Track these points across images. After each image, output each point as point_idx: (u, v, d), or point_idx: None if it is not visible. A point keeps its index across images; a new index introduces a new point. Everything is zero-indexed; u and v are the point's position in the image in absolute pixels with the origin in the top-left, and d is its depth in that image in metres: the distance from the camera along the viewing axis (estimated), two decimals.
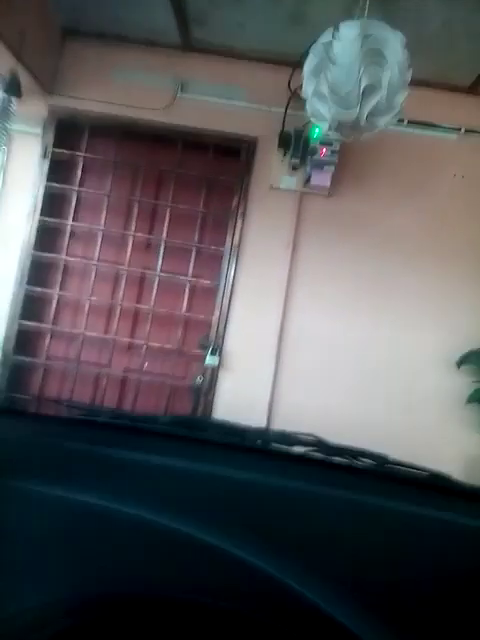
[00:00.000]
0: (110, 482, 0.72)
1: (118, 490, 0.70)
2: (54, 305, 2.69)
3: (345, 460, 0.85)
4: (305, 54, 1.80)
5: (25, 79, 2.33)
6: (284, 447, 0.87)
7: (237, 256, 2.63)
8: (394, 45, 1.71)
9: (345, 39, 1.71)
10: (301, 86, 1.89)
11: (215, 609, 0.59)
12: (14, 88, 2.23)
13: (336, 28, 1.72)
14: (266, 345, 2.58)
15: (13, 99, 2.28)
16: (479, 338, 2.51)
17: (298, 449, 0.86)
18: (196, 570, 0.63)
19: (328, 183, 2.52)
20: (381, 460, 0.85)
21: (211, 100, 2.65)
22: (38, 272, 2.68)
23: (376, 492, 0.76)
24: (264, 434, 1.13)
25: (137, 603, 0.58)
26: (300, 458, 0.84)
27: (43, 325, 2.68)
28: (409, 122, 2.56)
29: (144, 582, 0.61)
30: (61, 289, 2.71)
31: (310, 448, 0.87)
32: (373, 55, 1.71)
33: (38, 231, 2.65)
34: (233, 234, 2.63)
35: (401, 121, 2.52)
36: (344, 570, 0.64)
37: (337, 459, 0.85)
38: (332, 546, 0.66)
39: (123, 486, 0.71)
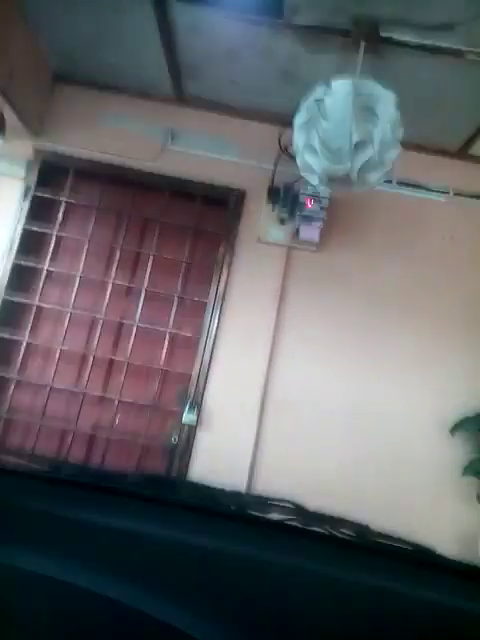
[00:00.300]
0: (68, 546, 0.66)
1: (77, 555, 0.65)
2: (22, 351, 2.52)
3: (324, 530, 0.80)
4: (296, 110, 1.80)
5: (11, 119, 2.30)
6: (260, 513, 0.83)
7: (221, 307, 2.53)
8: (386, 103, 1.71)
9: (337, 95, 1.70)
10: (291, 143, 1.88)
11: None
12: None
13: (328, 85, 1.71)
14: (249, 402, 2.45)
15: None
16: (472, 403, 2.40)
17: (275, 516, 0.81)
18: None
19: (317, 237, 2.49)
20: (362, 531, 0.82)
21: (201, 152, 2.65)
22: (9, 315, 2.54)
23: (354, 566, 0.72)
24: (239, 498, 1.07)
25: None
26: (276, 526, 0.80)
27: (8, 373, 2.50)
28: (398, 182, 2.57)
29: None
30: (32, 334, 2.56)
31: (288, 515, 0.83)
32: (365, 112, 1.71)
33: (12, 272, 2.53)
34: (217, 284, 2.55)
35: (390, 181, 2.52)
36: None
37: (316, 529, 0.81)
38: (306, 624, 0.63)
39: (84, 551, 0.66)
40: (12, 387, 2.49)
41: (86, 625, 0.61)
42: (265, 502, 0.87)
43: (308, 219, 2.44)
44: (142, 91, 2.64)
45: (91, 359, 2.53)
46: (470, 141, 2.49)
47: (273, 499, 0.85)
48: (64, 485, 0.83)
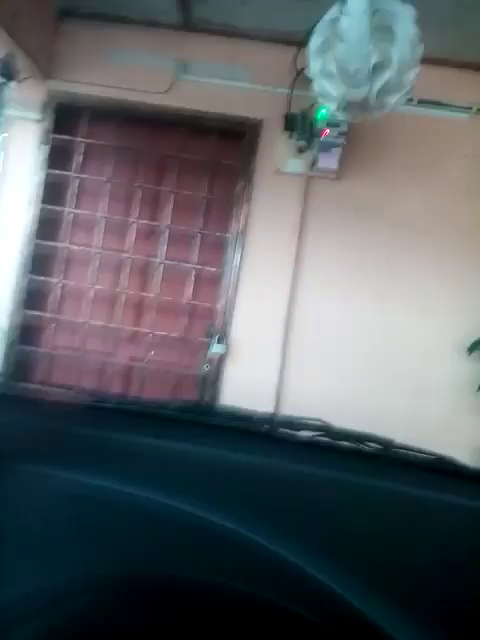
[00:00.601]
0: (120, 466, 0.72)
1: (127, 474, 0.70)
2: (58, 294, 2.66)
3: (351, 445, 0.85)
4: (311, 32, 1.74)
5: (21, 62, 2.27)
6: (290, 432, 0.87)
7: (242, 242, 2.58)
8: (404, 20, 1.64)
9: (353, 15, 1.63)
10: (307, 66, 1.83)
11: (226, 590, 0.60)
12: (10, 71, 2.17)
13: (343, 3, 1.65)
14: (273, 332, 2.55)
15: (9, 83, 2.22)
16: None
17: (304, 434, 0.86)
18: (206, 551, 0.64)
19: (336, 166, 2.45)
20: (387, 444, 0.86)
21: (213, 81, 2.58)
22: (40, 261, 2.65)
23: (382, 476, 0.76)
24: (271, 419, 1.13)
25: (149, 583, 0.60)
26: (306, 443, 0.84)
27: (47, 315, 2.65)
28: (419, 101, 2.48)
29: (156, 563, 0.62)
30: (64, 278, 2.67)
31: (316, 433, 0.87)
32: (382, 31, 1.65)
33: (39, 220, 2.61)
34: (238, 220, 2.58)
35: (410, 101, 2.43)
36: (352, 552, 0.64)
37: (343, 444, 0.85)
38: (340, 529, 0.67)
39: (132, 469, 0.72)
40: (53, 327, 2.65)
41: (139, 528, 0.65)
42: (295, 421, 0.89)
43: (326, 146, 2.40)
44: (149, 21, 2.54)
45: (122, 297, 2.64)
46: None
47: (303, 418, 0.89)
48: (113, 413, 0.89)
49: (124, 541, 0.64)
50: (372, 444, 0.85)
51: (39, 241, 2.61)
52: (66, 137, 2.63)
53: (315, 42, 1.73)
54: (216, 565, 0.62)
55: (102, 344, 2.67)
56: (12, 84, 2.27)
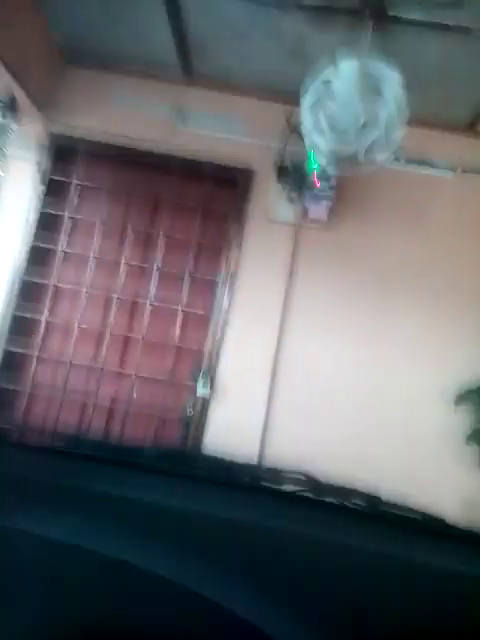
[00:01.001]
0: (91, 518, 0.69)
1: (99, 527, 0.68)
2: (42, 329, 2.63)
3: (336, 500, 0.82)
4: (304, 90, 1.83)
5: (23, 103, 2.34)
6: (273, 485, 0.85)
7: (232, 285, 2.60)
8: (391, 83, 1.74)
9: (344, 76, 1.73)
10: (300, 121, 1.92)
11: None
12: (12, 111, 2.23)
13: (335, 65, 1.74)
14: (260, 376, 2.54)
15: (11, 123, 2.28)
16: (476, 375, 2.47)
17: (288, 487, 0.84)
18: (179, 616, 0.61)
19: (325, 216, 2.52)
20: (373, 501, 0.83)
21: (210, 131, 2.67)
22: (28, 295, 2.63)
23: (366, 535, 0.74)
24: (253, 470, 1.10)
25: None
26: (290, 496, 0.82)
27: (30, 350, 2.62)
28: (406, 160, 2.59)
29: (125, 626, 0.60)
30: (50, 313, 2.66)
31: (300, 486, 0.85)
32: (371, 93, 1.74)
33: (30, 254, 2.62)
34: (228, 263, 2.62)
35: (397, 159, 2.54)
36: (330, 617, 0.62)
37: (328, 499, 0.82)
38: (318, 591, 0.65)
39: (105, 522, 0.69)
40: (34, 363, 2.61)
41: (103, 587, 0.63)
42: (278, 473, 0.87)
43: (316, 197, 2.47)
44: (151, 72, 2.65)
45: (108, 336, 2.62)
46: (478, 117, 2.49)
47: (286, 471, 0.86)
48: (83, 460, 0.86)
49: (87, 602, 0.62)
50: (357, 501, 0.83)
51: (27, 277, 2.61)
52: (62, 177, 2.68)
53: (308, 100, 1.82)
54: (186, 630, 0.60)
55: (85, 382, 2.62)
56: (13, 125, 2.33)
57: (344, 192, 2.54)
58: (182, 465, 0.95)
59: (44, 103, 2.55)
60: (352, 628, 0.61)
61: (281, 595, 0.63)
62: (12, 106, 2.23)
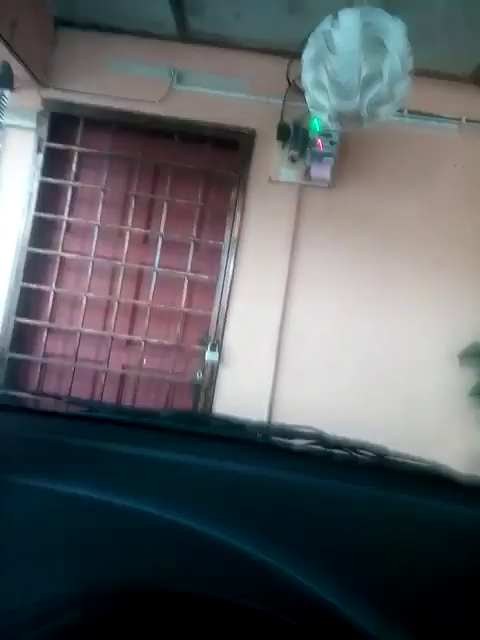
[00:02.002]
0: (111, 477, 0.71)
1: (119, 484, 0.69)
2: (51, 301, 2.66)
3: (345, 453, 0.85)
4: (304, 44, 1.77)
5: (18, 71, 2.29)
6: (284, 440, 0.87)
7: (236, 250, 2.60)
8: (395, 33, 1.68)
9: (344, 28, 1.67)
10: (300, 77, 1.86)
11: (218, 602, 0.59)
12: (6, 80, 2.19)
13: (335, 17, 1.68)
14: (266, 340, 2.56)
15: (6, 92, 2.23)
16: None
17: (298, 442, 0.86)
18: (197, 563, 0.63)
19: (328, 175, 2.49)
20: (380, 453, 0.86)
21: (208, 91, 2.61)
22: (34, 268, 2.65)
23: (376, 484, 0.76)
24: (264, 428, 1.13)
25: (140, 597, 0.58)
26: (300, 451, 0.84)
27: (40, 322, 2.65)
28: (409, 113, 2.52)
29: (145, 576, 0.61)
30: (57, 285, 2.67)
31: (310, 441, 0.88)
32: (373, 44, 1.68)
33: (33, 226, 2.61)
34: (232, 228, 2.60)
35: (401, 112, 2.47)
36: (346, 561, 0.64)
37: (337, 452, 0.85)
38: (333, 538, 0.67)
39: (123, 480, 0.71)
40: (45, 334, 2.64)
41: (131, 540, 0.64)
42: (288, 430, 0.89)
43: (319, 156, 2.43)
44: (145, 31, 2.57)
45: (116, 305, 2.64)
46: None
47: (296, 427, 0.89)
48: (102, 423, 0.89)
49: (115, 555, 0.63)
50: (365, 453, 0.85)
51: (32, 248, 2.61)
52: (61, 146, 2.64)
53: (308, 54, 1.76)
54: (210, 578, 0.61)
55: (95, 351, 2.67)
56: (8, 93, 2.28)
57: (347, 151, 2.50)
58: (196, 425, 0.97)
59: (38, 69, 2.49)
60: (361, 569, 0.63)
61: (295, 541, 0.65)
62: (5, 73, 2.18)
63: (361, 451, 0.86)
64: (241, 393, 2.55)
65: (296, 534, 0.66)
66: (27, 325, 2.63)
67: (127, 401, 2.67)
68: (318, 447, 0.87)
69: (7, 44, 2.15)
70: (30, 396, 2.07)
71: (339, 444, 0.87)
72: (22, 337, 2.65)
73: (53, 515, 0.67)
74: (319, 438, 0.88)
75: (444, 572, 0.65)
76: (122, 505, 0.66)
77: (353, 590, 0.60)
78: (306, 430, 0.89)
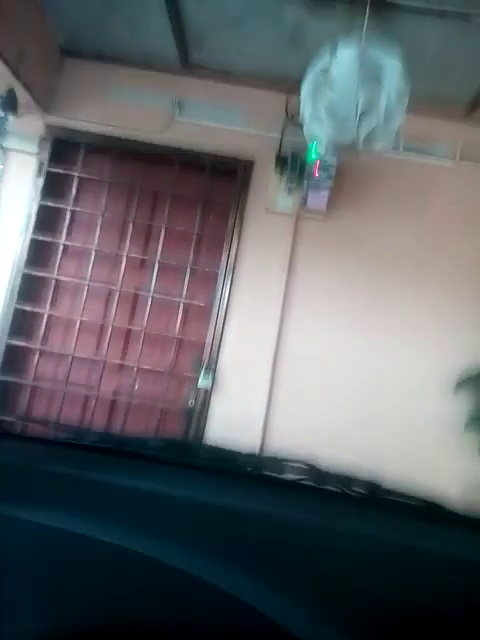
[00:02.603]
0: (95, 508, 0.69)
1: (102, 517, 0.67)
2: (44, 323, 2.64)
3: (337, 488, 0.83)
4: (303, 78, 1.82)
5: (22, 97, 2.34)
6: (275, 473, 0.86)
7: (232, 277, 2.61)
8: (391, 71, 1.72)
9: (343, 64, 1.72)
10: (298, 110, 1.91)
11: None
12: (11, 105, 2.23)
13: (333, 53, 1.73)
14: (261, 367, 2.55)
15: (9, 116, 2.27)
16: (475, 362, 2.47)
17: (290, 475, 0.84)
18: (182, 603, 0.61)
19: (324, 206, 2.52)
20: (373, 488, 0.83)
21: (208, 122, 2.67)
22: (29, 289, 2.64)
23: (368, 522, 0.74)
24: (255, 460, 1.11)
25: (122, 634, 0.57)
26: (292, 485, 0.83)
27: (32, 344, 2.62)
28: (405, 147, 2.58)
29: (129, 614, 0.60)
30: (52, 307, 2.66)
31: (302, 475, 0.85)
32: (370, 81, 1.73)
33: (30, 248, 2.62)
34: (228, 254, 2.62)
35: (396, 147, 2.53)
36: (333, 602, 0.62)
37: (329, 487, 0.83)
38: (320, 577, 0.65)
39: (107, 512, 0.69)
40: (36, 357, 2.62)
41: (107, 575, 0.63)
42: (280, 462, 0.87)
43: (315, 187, 2.47)
44: (148, 62, 2.64)
45: (109, 329, 2.63)
46: (476, 103, 2.48)
47: (287, 459, 0.87)
48: (88, 451, 0.87)
49: (95, 589, 0.61)
50: (358, 488, 0.83)
51: (28, 270, 2.61)
52: (62, 170, 2.68)
53: (307, 88, 1.81)
54: (190, 618, 0.60)
55: (87, 376, 2.64)
56: (11, 117, 2.32)
57: (343, 182, 2.53)
58: (185, 455, 0.95)
59: (42, 95, 2.54)
60: (352, 613, 0.62)
61: (283, 581, 0.63)
62: (10, 99, 2.23)
63: (353, 487, 0.84)
64: (234, 419, 2.52)
65: (281, 573, 0.64)
66: (19, 347, 2.61)
67: (117, 427, 2.62)
68: (309, 482, 0.85)
69: (14, 71, 2.19)
70: (16, 421, 2.03)
71: (332, 478, 0.85)
72: (14, 358, 2.62)
73: (32, 546, 0.65)
74: (311, 472, 0.86)
75: (435, 615, 0.63)
76: (104, 539, 0.64)
77: (341, 632, 0.58)
78: (298, 464, 0.87)
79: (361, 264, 2.60)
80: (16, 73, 2.20)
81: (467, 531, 0.77)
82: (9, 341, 2.57)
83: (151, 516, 0.70)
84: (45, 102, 2.59)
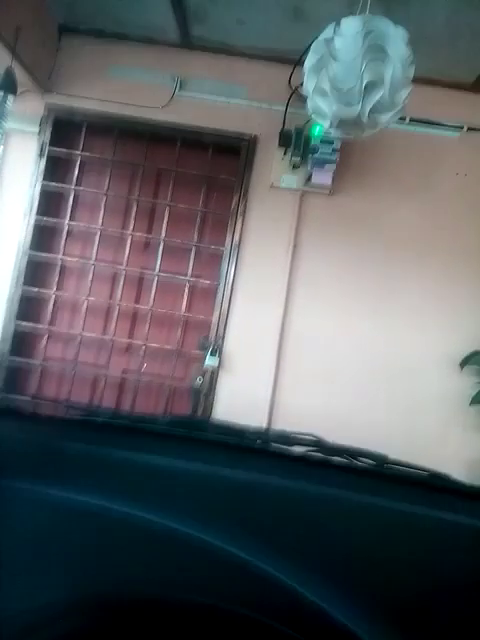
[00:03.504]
0: (109, 482, 0.71)
1: (117, 490, 0.69)
2: (51, 306, 2.66)
3: (344, 460, 0.84)
4: (306, 51, 1.78)
5: (21, 76, 2.31)
6: (283, 447, 0.86)
7: (237, 255, 2.60)
8: (396, 41, 1.68)
9: (347, 35, 1.68)
10: (302, 84, 1.87)
11: (215, 610, 0.58)
12: (10, 85, 2.20)
13: (337, 24, 1.69)
14: (267, 345, 2.56)
15: (9, 96, 2.24)
16: None
17: (298, 449, 0.85)
18: (195, 570, 0.62)
19: (329, 181, 2.49)
20: (380, 460, 0.85)
21: (210, 98, 2.63)
22: (35, 272, 2.65)
23: (375, 492, 0.75)
24: (263, 434, 1.13)
25: (136, 604, 0.58)
26: (300, 458, 0.83)
27: (40, 326, 2.65)
28: (411, 120, 2.54)
29: (143, 583, 0.61)
30: (58, 289, 2.67)
31: (309, 448, 0.87)
32: (375, 51, 1.69)
33: (34, 230, 2.62)
34: (233, 233, 2.60)
35: (403, 119, 2.49)
36: (343, 569, 0.64)
37: (336, 459, 0.84)
38: (331, 546, 0.67)
39: (122, 486, 0.71)
40: (45, 339, 2.64)
41: (128, 547, 0.64)
42: (288, 436, 0.88)
43: (320, 163, 2.44)
44: (148, 38, 2.59)
45: (116, 310, 2.64)
46: None
47: (295, 433, 0.88)
48: (101, 428, 0.88)
49: (112, 561, 0.62)
50: (365, 460, 0.85)
51: (34, 252, 2.61)
52: (63, 151, 2.65)
53: (310, 61, 1.77)
54: (206, 585, 0.61)
55: (95, 356, 2.66)
56: (11, 97, 2.29)
57: (348, 156, 2.50)
58: (194, 431, 0.96)
59: (41, 74, 2.51)
60: (359, 578, 0.63)
61: (292, 549, 0.64)
62: (9, 78, 2.19)
63: (361, 458, 0.85)
64: (241, 398, 2.54)
65: (293, 542, 0.66)
66: (27, 329, 2.63)
67: (126, 406, 2.66)
68: (318, 454, 0.86)
69: (11, 50, 2.16)
70: (29, 400, 2.06)
71: (339, 451, 0.86)
72: (22, 341, 2.65)
73: (51, 521, 0.66)
74: (318, 445, 0.87)
75: (441, 581, 0.64)
76: (119, 511, 0.66)
77: (349, 598, 0.59)
78: (306, 437, 0.89)
79: (367, 242, 2.58)
80: (13, 51, 2.16)
81: (473, 500, 0.78)
82: (18, 324, 2.60)
83: (163, 489, 0.72)
84: (44, 81, 2.56)
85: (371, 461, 0.85)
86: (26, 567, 0.60)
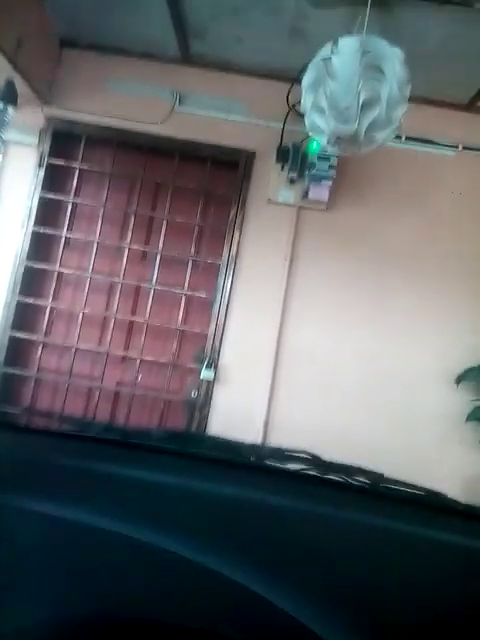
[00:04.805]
0: (100, 498, 0.69)
1: (108, 506, 0.67)
2: (47, 316, 2.65)
3: (340, 478, 0.82)
4: (304, 69, 1.81)
5: (22, 88, 2.32)
6: (278, 464, 0.85)
7: (234, 269, 2.61)
8: (393, 61, 1.71)
9: (344, 54, 1.71)
10: (299, 101, 1.90)
11: (202, 632, 0.57)
12: (10, 96, 2.22)
13: (335, 43, 1.72)
14: (263, 359, 2.56)
15: (9, 108, 2.26)
16: (476, 355, 2.48)
17: (292, 466, 0.83)
18: (186, 591, 0.61)
19: (326, 197, 2.51)
20: (376, 478, 0.83)
21: (209, 113, 2.65)
22: (31, 282, 2.65)
23: (370, 511, 0.74)
24: (258, 450, 1.11)
25: (127, 625, 0.57)
26: (294, 475, 0.82)
27: (35, 336, 2.64)
28: (407, 138, 2.57)
29: (133, 603, 0.60)
30: (54, 300, 2.67)
31: (304, 465, 0.85)
32: (372, 70, 1.72)
33: (32, 240, 2.62)
34: (230, 246, 2.62)
35: (399, 137, 2.53)
36: (338, 591, 0.62)
37: (332, 477, 0.82)
38: (326, 566, 0.65)
39: (113, 502, 0.69)
40: (40, 349, 2.63)
41: (117, 566, 0.63)
42: (283, 453, 0.87)
43: (317, 178, 2.46)
44: (148, 53, 2.62)
45: (112, 321, 2.64)
46: (479, 94, 2.46)
47: (290, 450, 0.87)
48: (93, 443, 0.86)
49: (100, 578, 0.61)
50: (361, 478, 0.83)
51: (31, 262, 2.61)
52: (62, 162, 2.67)
53: (308, 79, 1.80)
54: (194, 607, 0.60)
55: (90, 367, 2.65)
56: (11, 108, 2.31)
57: (345, 173, 2.52)
58: (188, 446, 0.95)
59: (41, 86, 2.53)
60: (355, 601, 0.62)
61: (287, 570, 0.63)
62: (10, 90, 2.21)
63: (356, 476, 0.83)
64: (236, 411, 2.53)
65: (287, 561, 0.65)
66: (22, 339, 2.62)
67: (121, 418, 2.64)
68: (313, 472, 0.84)
69: (12, 62, 2.18)
70: (20, 412, 2.04)
71: (334, 468, 0.84)
72: (16, 351, 2.63)
73: (38, 537, 0.65)
74: (314, 462, 0.86)
75: (436, 602, 0.63)
76: (108, 528, 0.65)
77: (343, 619, 0.58)
78: (301, 454, 0.87)
79: (363, 256, 2.60)
80: (14, 63, 2.18)
81: (469, 520, 0.77)
82: (12, 334, 2.58)
83: (155, 506, 0.70)
84: (45, 93, 2.58)
85: (367, 479, 0.83)
86: (14, 584, 0.59)
